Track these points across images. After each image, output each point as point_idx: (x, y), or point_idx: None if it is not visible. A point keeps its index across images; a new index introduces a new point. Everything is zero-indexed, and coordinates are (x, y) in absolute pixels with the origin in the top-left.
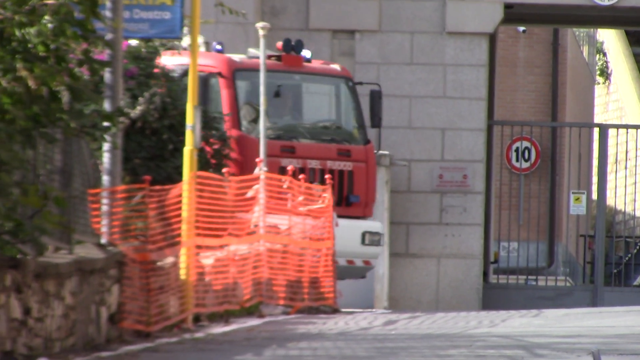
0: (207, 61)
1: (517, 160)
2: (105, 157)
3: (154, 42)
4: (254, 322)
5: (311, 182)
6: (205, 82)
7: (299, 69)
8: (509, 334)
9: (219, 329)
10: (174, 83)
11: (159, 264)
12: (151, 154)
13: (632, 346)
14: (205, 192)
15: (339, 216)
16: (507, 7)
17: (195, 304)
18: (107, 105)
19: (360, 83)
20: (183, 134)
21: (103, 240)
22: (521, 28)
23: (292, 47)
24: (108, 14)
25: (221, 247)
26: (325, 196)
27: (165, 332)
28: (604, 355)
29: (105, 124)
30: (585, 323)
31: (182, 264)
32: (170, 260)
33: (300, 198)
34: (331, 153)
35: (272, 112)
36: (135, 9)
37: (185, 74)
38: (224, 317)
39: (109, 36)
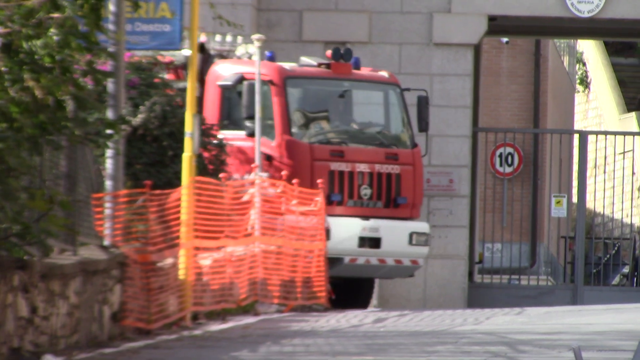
0: (259, 69)
1: (501, 165)
2: (108, 163)
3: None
4: (249, 319)
5: (359, 186)
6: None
7: (348, 76)
8: (493, 331)
9: (216, 327)
10: (176, 93)
11: (159, 264)
12: (152, 160)
13: (610, 342)
14: (203, 196)
15: (387, 217)
16: (491, 19)
17: (194, 303)
18: (110, 114)
19: (408, 89)
20: (182, 141)
21: (106, 242)
22: (504, 39)
23: (341, 55)
24: (111, 26)
25: (218, 248)
26: (318, 200)
27: (165, 330)
28: (584, 351)
29: (108, 131)
30: (566, 321)
31: (181, 265)
32: (169, 261)
33: (294, 202)
34: (379, 157)
35: (322, 117)
36: (137, 22)
37: (239, 81)
38: (221, 315)
39: (111, 48)
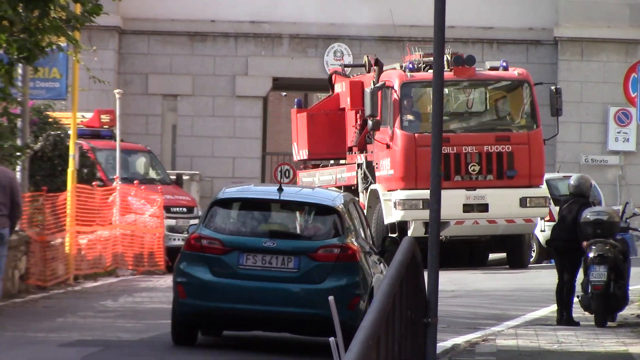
0: (386, 77)
1: (281, 177)
2: (18, 175)
3: (49, 102)
4: (113, 280)
5: (467, 164)
6: (376, 91)
7: (469, 77)
8: None
9: (90, 284)
10: (64, 127)
11: (52, 243)
12: (47, 173)
13: None
14: (81, 197)
15: (497, 187)
16: (275, 79)
17: (75, 269)
18: (19, 142)
19: (540, 83)
20: (68, 160)
21: (16, 228)
22: (284, 93)
23: (463, 61)
24: (19, 83)
25: (92, 232)
26: (158, 200)
27: (55, 287)
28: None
29: (18, 154)
30: None
31: (67, 243)
32: (59, 240)
33: (142, 201)
34: (489, 140)
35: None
36: (37, 80)
37: (380, 87)
38: (94, 277)
39: (20, 98)
